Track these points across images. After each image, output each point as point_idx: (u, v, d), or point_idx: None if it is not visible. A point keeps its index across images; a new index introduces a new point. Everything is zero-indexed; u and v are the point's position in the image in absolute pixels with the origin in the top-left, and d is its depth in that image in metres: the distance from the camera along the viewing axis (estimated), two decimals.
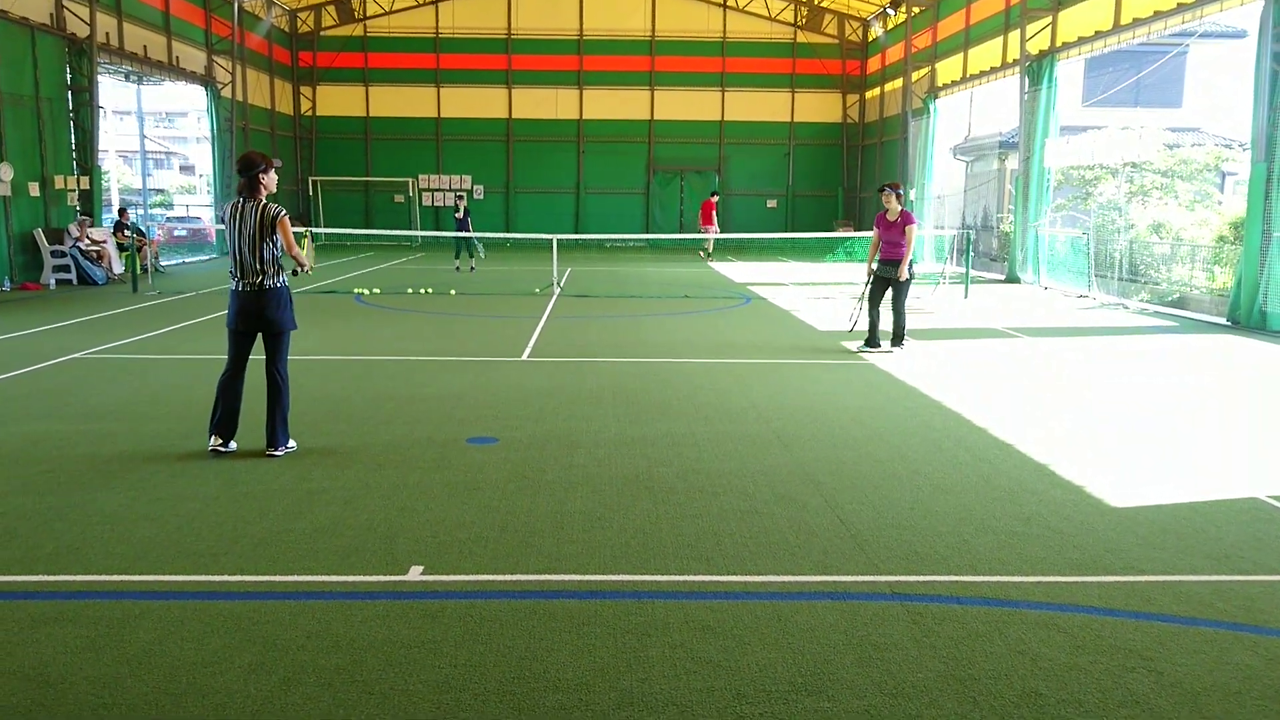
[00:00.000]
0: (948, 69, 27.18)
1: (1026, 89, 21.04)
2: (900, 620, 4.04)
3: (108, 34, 21.40)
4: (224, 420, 6.49)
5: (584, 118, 35.41)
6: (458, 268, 23.05)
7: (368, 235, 34.21)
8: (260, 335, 6.49)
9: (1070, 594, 4.33)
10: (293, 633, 3.85)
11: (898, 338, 11.29)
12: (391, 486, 5.81)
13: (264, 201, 6.35)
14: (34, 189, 18.41)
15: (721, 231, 31.56)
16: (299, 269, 6.79)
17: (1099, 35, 18.64)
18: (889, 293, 11.19)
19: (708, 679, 3.52)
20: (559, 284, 18.32)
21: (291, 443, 6.62)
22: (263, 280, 6.34)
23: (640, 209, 35.95)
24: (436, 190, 35.36)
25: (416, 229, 33.98)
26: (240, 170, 6.35)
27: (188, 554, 4.68)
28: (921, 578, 4.50)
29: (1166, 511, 5.51)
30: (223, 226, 25.47)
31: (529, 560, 4.66)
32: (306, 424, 7.36)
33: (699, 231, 28.73)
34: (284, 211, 6.41)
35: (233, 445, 6.54)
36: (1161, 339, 12.82)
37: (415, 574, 4.47)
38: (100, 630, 3.85)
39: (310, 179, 35.00)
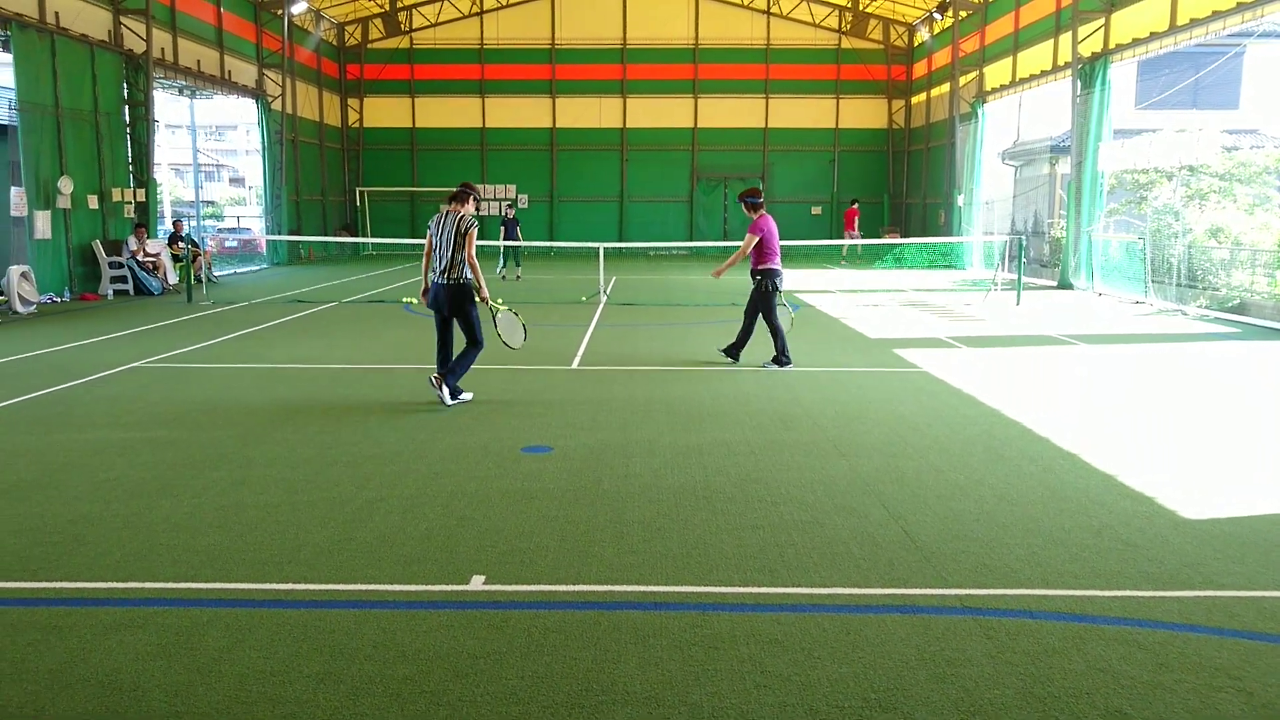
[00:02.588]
0: (996, 73, 26.84)
1: (1079, 92, 20.69)
2: (973, 635, 3.94)
3: (163, 49, 21.85)
4: (442, 362, 8.41)
5: (628, 126, 35.45)
6: (503, 276, 23.16)
7: (414, 245, 34.54)
8: (453, 318, 8.29)
9: (1148, 609, 4.20)
10: (359, 642, 3.85)
11: (734, 349, 10.63)
12: (449, 495, 5.81)
13: (462, 214, 8.14)
14: (93, 202, 18.81)
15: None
16: (478, 294, 8.30)
17: (1154, 36, 18.28)
18: (778, 301, 10.62)
19: (779, 694, 3.46)
20: (605, 292, 18.32)
21: (465, 394, 8.48)
22: (451, 275, 8.09)
23: (684, 217, 35.89)
24: (482, 200, 35.57)
25: None
26: (453, 195, 8.30)
27: (252, 562, 4.71)
28: (992, 591, 4.40)
29: (1243, 524, 5.34)
30: (275, 238, 25.89)
31: (590, 570, 4.62)
32: (365, 432, 7.40)
33: (842, 237, 30.24)
34: (474, 225, 8.16)
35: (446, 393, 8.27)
36: (1223, 346, 12.49)
37: (477, 584, 4.46)
38: (170, 637, 3.88)
39: (358, 190, 35.42)
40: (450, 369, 8.32)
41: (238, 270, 26.36)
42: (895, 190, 35.80)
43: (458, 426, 7.64)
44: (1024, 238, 19.75)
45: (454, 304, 8.18)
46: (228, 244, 31.60)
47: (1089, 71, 20.30)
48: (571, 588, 4.42)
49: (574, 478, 6.19)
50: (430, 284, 8.31)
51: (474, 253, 8.10)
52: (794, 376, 9.97)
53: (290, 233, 28.79)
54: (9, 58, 16.80)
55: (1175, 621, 4.08)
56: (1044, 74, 23.38)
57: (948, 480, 6.16)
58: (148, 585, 4.42)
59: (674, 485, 6.03)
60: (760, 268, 10.46)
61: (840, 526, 5.26)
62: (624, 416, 8.03)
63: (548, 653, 3.76)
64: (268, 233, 28.44)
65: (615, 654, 3.75)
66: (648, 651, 3.77)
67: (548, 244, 30.24)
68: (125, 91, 20.34)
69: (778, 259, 10.54)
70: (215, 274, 22.73)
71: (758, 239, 10.41)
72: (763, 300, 10.51)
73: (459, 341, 8.49)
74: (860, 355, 11.46)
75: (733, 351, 10.80)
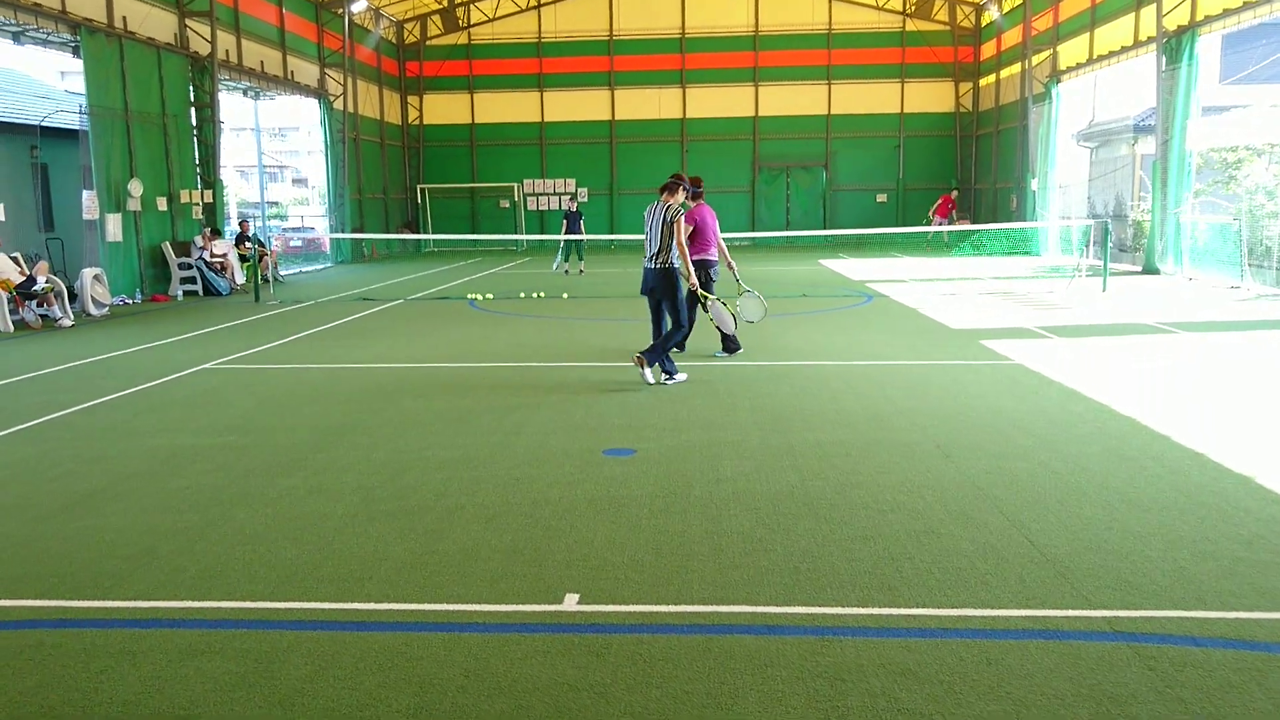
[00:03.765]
0: (1071, 51, 25.85)
1: (1164, 68, 19.74)
2: (1131, 666, 3.49)
3: (227, 51, 21.98)
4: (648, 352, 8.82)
5: (687, 117, 35.02)
6: (566, 270, 22.92)
7: (474, 240, 34.60)
8: (661, 300, 8.88)
9: None
10: (449, 671, 3.54)
11: (680, 343, 10.06)
12: (532, 503, 5.49)
13: (670, 204, 8.64)
14: (162, 204, 18.97)
15: (838, 228, 30.81)
16: (685, 281, 8.87)
17: (1247, 6, 17.32)
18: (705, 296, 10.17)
19: None
20: None
21: (680, 375, 8.84)
22: (659, 260, 8.65)
23: (745, 207, 35.34)
24: (541, 195, 35.46)
25: (522, 233, 34.13)
26: (665, 186, 8.75)
27: (332, 578, 4.44)
28: (1142, 613, 3.94)
29: None
30: (339, 236, 25.94)
31: (692, 588, 4.26)
32: (439, 434, 7.14)
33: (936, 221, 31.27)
34: (681, 214, 8.63)
35: (680, 377, 8.93)
36: None
37: (571, 603, 4.12)
38: (250, 665, 3.61)
39: (418, 187, 35.50)
40: (651, 347, 8.79)
41: (303, 269, 26.53)
42: (964, 176, 34.84)
43: (535, 428, 7.33)
44: (1108, 222, 18.87)
45: (662, 287, 8.73)
46: (292, 243, 31.87)
47: (1175, 46, 19.35)
48: (673, 608, 4.07)
49: (662, 483, 5.84)
50: (644, 269, 8.90)
51: (683, 239, 8.56)
52: (882, 372, 9.50)
53: (353, 231, 28.91)
54: (78, 65, 16.96)
55: None
56: (1124, 50, 22.40)
57: (1067, 483, 5.68)
58: (225, 605, 4.17)
59: (770, 491, 5.64)
60: (693, 258, 10.06)
61: (958, 537, 4.83)
62: (706, 415, 7.66)
63: (656, 685, 3.41)
64: (331, 231, 28.58)
65: (731, 687, 3.39)
66: (767, 684, 3.40)
67: (611, 237, 29.95)
68: (191, 94, 20.49)
69: (712, 250, 10.27)
70: (281, 273, 22.84)
71: (691, 228, 10.01)
72: (687, 291, 10.10)
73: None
74: (946, 348, 10.93)
75: (728, 347, 10.47)
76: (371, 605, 4.14)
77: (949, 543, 4.75)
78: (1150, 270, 20.16)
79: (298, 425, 7.57)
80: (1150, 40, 20.65)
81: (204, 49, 20.61)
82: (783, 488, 5.70)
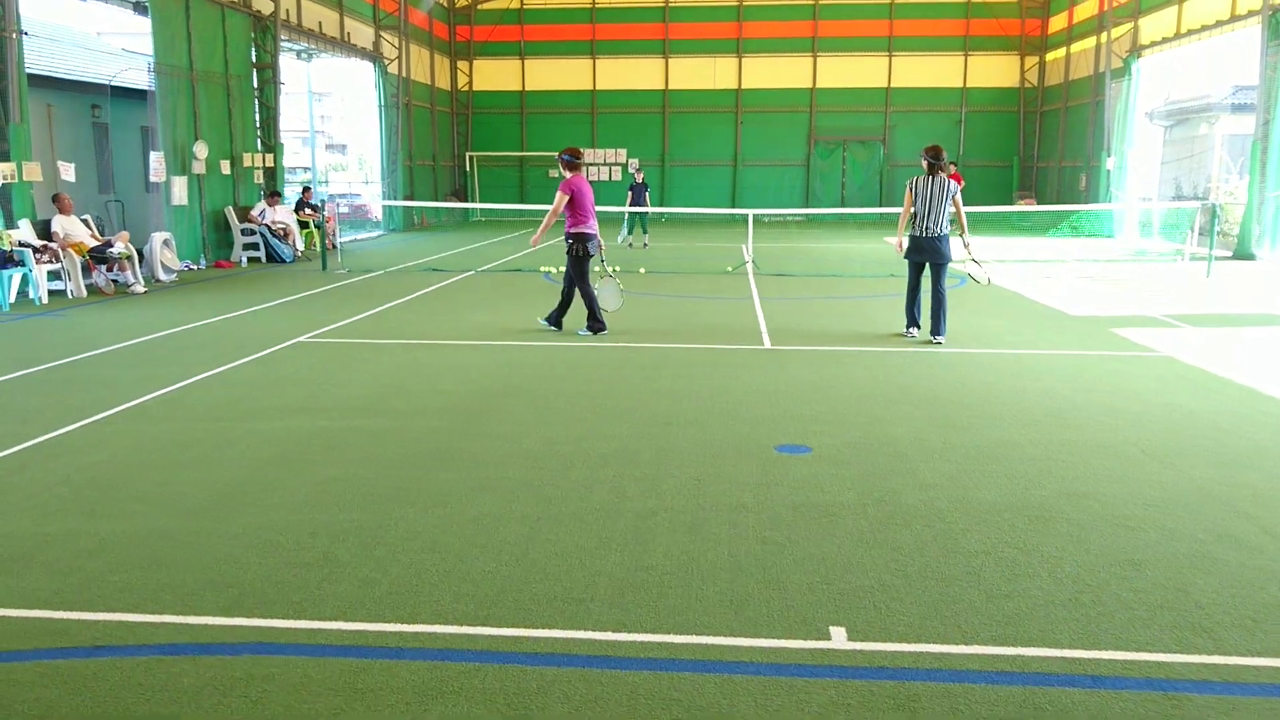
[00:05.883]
0: (1154, 24, 24.79)
1: (1268, 43, 18.78)
2: None
3: (288, 11, 21.38)
4: (933, 318, 9.72)
5: (743, 87, 34.13)
6: (630, 244, 22.28)
7: (523, 210, 33.95)
8: (930, 265, 9.74)
9: None
10: None
11: (554, 316, 10.50)
12: (731, 509, 4.94)
13: (944, 179, 9.53)
14: (225, 167, 18.47)
15: (894, 204, 29.87)
16: (968, 253, 10.42)
17: None
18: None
19: None
20: (752, 261, 17.28)
21: (940, 337, 9.66)
22: (939, 230, 9.56)
23: (800, 181, 34.50)
24: (591, 165, 34.74)
25: None
26: (932, 157, 9.56)
27: (545, 598, 3.91)
28: None
29: None
30: (393, 203, 25.18)
31: (969, 622, 3.70)
32: (585, 424, 6.59)
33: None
34: (960, 188, 9.52)
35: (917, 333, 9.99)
36: None
37: (840, 639, 3.58)
38: (503, 711, 3.08)
39: (467, 154, 34.87)
40: (934, 325, 9.66)
41: (356, 237, 26.03)
42: (1026, 153, 33.83)
43: (685, 418, 6.77)
44: (1216, 205, 18.02)
45: (940, 252, 9.61)
46: (340, 210, 31.31)
47: None
48: (965, 649, 3.50)
49: (861, 487, 5.27)
50: (912, 236, 9.78)
51: (962, 210, 9.69)
52: (1026, 362, 8.87)
53: (404, 198, 28.36)
54: (122, 24, 16.44)
55: None
56: (1219, 24, 21.38)
57: None
58: (439, 629, 3.65)
59: (991, 501, 5.06)
60: (572, 231, 10.05)
61: (1243, 564, 4.24)
62: (864, 408, 7.07)
63: None
64: (385, 198, 28.05)
65: None
66: None
67: (663, 209, 29.22)
68: (253, 54, 19.92)
69: (592, 222, 10.11)
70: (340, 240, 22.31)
71: (568, 198, 9.90)
72: (573, 266, 10.21)
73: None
74: (1077, 336, 10.27)
75: (554, 319, 10.49)
76: (609, 635, 3.60)
77: (1236, 571, 4.17)
78: (1244, 255, 19.28)
79: (428, 409, 7.05)
80: (1252, 14, 19.65)
81: (266, 8, 20.03)
82: (1002, 498, 5.12)
